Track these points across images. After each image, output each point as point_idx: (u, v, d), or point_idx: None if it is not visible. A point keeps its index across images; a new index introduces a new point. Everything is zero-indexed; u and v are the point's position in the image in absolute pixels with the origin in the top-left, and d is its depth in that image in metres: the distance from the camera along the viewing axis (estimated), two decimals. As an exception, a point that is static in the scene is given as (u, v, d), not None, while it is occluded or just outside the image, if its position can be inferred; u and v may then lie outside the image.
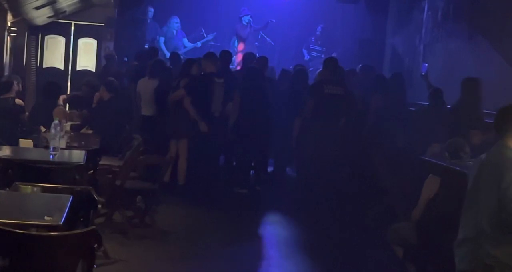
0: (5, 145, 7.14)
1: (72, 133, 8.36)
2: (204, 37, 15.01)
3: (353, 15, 14.59)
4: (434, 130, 8.28)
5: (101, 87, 9.62)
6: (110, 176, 7.52)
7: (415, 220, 5.98)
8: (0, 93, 9.49)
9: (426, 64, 10.38)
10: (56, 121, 6.71)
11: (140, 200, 8.00)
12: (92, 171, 6.65)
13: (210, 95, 9.73)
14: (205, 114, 9.64)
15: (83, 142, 7.99)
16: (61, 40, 14.37)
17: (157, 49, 12.57)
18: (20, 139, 7.49)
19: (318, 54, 15.02)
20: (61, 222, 3.97)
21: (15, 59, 12.38)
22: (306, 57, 15.16)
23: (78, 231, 3.97)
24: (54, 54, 14.34)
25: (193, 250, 7.12)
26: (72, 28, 14.30)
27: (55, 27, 14.11)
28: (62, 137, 7.22)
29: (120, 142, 8.85)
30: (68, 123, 8.86)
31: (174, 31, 14.82)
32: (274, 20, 15.15)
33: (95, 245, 3.83)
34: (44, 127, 8.55)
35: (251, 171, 10.44)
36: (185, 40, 14.95)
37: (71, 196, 4.52)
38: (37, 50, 14.04)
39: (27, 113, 9.93)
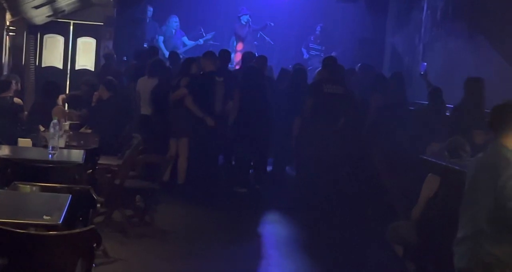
0: (4, 144, 7.12)
1: (71, 132, 8.35)
2: (203, 36, 15.00)
3: (353, 14, 14.59)
4: (433, 129, 8.28)
5: (100, 86, 9.61)
6: (109, 175, 7.51)
7: (415, 219, 5.98)
8: (-1, 92, 9.49)
9: (425, 64, 10.39)
10: (55, 121, 6.70)
11: (140, 199, 7.99)
12: (91, 170, 6.63)
13: (211, 94, 9.72)
14: (207, 112, 9.63)
15: (82, 141, 7.98)
16: (60, 39, 14.36)
17: (157, 48, 12.57)
18: (19, 139, 7.47)
19: (318, 53, 15.02)
20: (60, 222, 3.96)
21: (14, 59, 12.38)
22: (305, 56, 15.17)
23: (77, 230, 3.96)
24: (53, 53, 14.33)
25: (193, 249, 7.11)
26: (71, 27, 14.30)
27: (54, 26, 14.10)
28: (61, 136, 7.22)
29: (119, 141, 8.83)
30: (67, 122, 8.85)
31: (173, 30, 14.83)
32: (272, 24, 15.16)
33: (94, 245, 3.82)
34: (43, 127, 8.54)
35: (251, 170, 10.43)
36: (185, 39, 14.96)
37: (70, 196, 4.51)
38: (36, 49, 14.03)
39: (25, 112, 9.92)
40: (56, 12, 13.23)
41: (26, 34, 12.91)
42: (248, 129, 9.77)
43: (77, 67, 14.37)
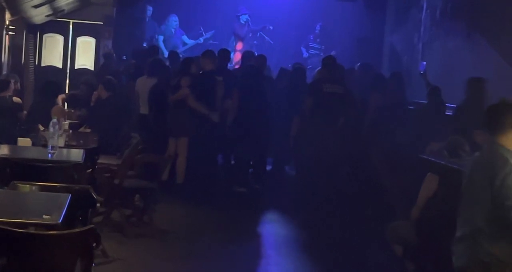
0: (3, 143, 7.13)
1: (70, 132, 8.35)
2: (203, 36, 15.00)
3: (352, 14, 14.59)
4: (433, 129, 8.28)
5: (99, 86, 9.61)
6: (108, 174, 7.51)
7: (414, 218, 5.98)
8: (-2, 92, 9.49)
9: (425, 63, 10.39)
10: (54, 120, 6.71)
11: (139, 198, 7.99)
12: (90, 169, 6.64)
13: (213, 93, 9.72)
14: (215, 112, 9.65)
15: (81, 141, 7.98)
16: (60, 38, 14.35)
17: (157, 47, 12.57)
18: (19, 138, 7.48)
19: (317, 52, 15.02)
20: (60, 221, 3.96)
21: (14, 58, 12.37)
22: (305, 55, 15.17)
23: (77, 230, 3.96)
24: (52, 52, 14.33)
25: (192, 248, 7.12)
26: (71, 26, 14.29)
27: (54, 25, 14.10)
28: (61, 135, 7.22)
29: (118, 140, 8.84)
30: (67, 122, 8.85)
31: (173, 30, 14.83)
32: (271, 27, 15.15)
33: (94, 244, 3.82)
34: (43, 126, 8.55)
35: (250, 170, 10.43)
36: (185, 38, 14.95)
37: (70, 195, 4.51)
38: (36, 48, 14.03)
39: (25, 112, 9.92)
40: (56, 12, 13.23)
41: (25, 34, 12.91)
42: (247, 129, 9.77)
43: (76, 67, 14.37)
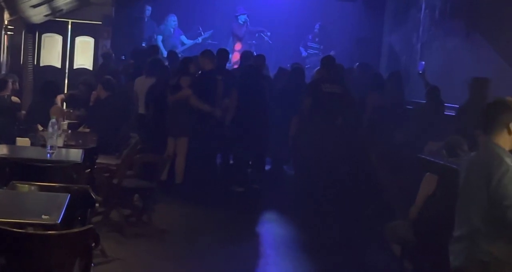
0: (2, 143, 7.13)
1: (69, 132, 8.35)
2: (202, 35, 15.00)
3: (351, 13, 14.59)
4: (431, 128, 8.29)
5: (98, 86, 9.61)
6: (107, 174, 7.51)
7: (412, 218, 5.99)
8: (-4, 92, 9.49)
9: (423, 63, 10.39)
10: (53, 120, 6.71)
11: (138, 198, 7.99)
12: (89, 169, 6.65)
13: (214, 92, 9.71)
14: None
15: (80, 141, 7.97)
16: (58, 38, 14.36)
17: (157, 46, 12.56)
18: (17, 138, 7.47)
19: (316, 52, 15.02)
20: (59, 221, 3.96)
21: (12, 58, 12.38)
22: (304, 54, 15.17)
23: (76, 230, 3.97)
24: (51, 52, 14.34)
25: (191, 248, 7.12)
26: (69, 26, 14.30)
27: (52, 25, 14.11)
28: (59, 135, 7.21)
29: (117, 140, 8.84)
30: (65, 122, 8.85)
31: (172, 29, 14.82)
32: (269, 33, 15.14)
33: (93, 244, 3.82)
34: (41, 126, 8.54)
35: (249, 170, 10.43)
36: (183, 37, 14.94)
37: (69, 195, 4.51)
38: (34, 48, 14.04)
39: (23, 112, 9.92)
40: (54, 11, 13.23)
41: (24, 33, 12.91)
42: (246, 128, 9.78)
43: (75, 66, 14.37)
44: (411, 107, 10.06)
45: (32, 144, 7.35)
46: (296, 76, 10.56)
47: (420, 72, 9.96)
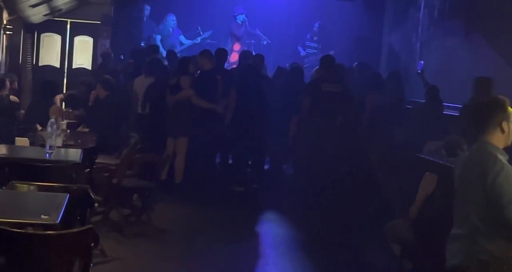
0: (1, 143, 7.12)
1: (68, 132, 8.35)
2: (201, 35, 14.99)
3: (350, 13, 14.58)
4: (430, 128, 8.29)
5: (97, 85, 9.61)
6: (106, 174, 7.51)
7: (412, 217, 5.98)
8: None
9: (423, 62, 10.39)
10: (52, 120, 6.70)
11: (137, 198, 7.99)
12: (88, 169, 6.63)
13: (215, 92, 9.70)
14: (215, 111, 9.64)
15: (79, 141, 7.97)
16: (57, 38, 14.35)
17: (157, 46, 12.53)
18: (16, 138, 7.47)
19: (315, 51, 15.01)
20: (58, 221, 3.96)
21: (11, 57, 12.37)
22: (302, 53, 15.16)
23: (75, 229, 3.96)
24: (50, 52, 14.33)
25: (190, 248, 7.12)
26: (68, 26, 14.30)
27: (51, 25, 14.10)
28: (59, 135, 7.21)
29: (116, 140, 8.84)
30: (64, 121, 8.85)
31: (171, 29, 14.81)
32: (265, 42, 15.12)
33: (92, 244, 3.82)
34: (41, 126, 8.54)
35: (248, 169, 10.43)
36: (182, 37, 14.93)
37: (68, 195, 4.51)
38: (33, 48, 14.03)
39: (22, 111, 9.91)
40: (53, 11, 13.22)
41: (23, 33, 12.91)
42: (245, 128, 9.77)
43: (74, 66, 14.37)
44: (410, 107, 10.07)
45: (31, 144, 7.35)
46: (295, 76, 10.55)
47: (419, 71, 9.96)
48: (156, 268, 6.47)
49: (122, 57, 13.34)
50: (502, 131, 4.10)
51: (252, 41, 15.16)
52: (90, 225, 3.94)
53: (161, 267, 6.48)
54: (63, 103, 10.59)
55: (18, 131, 9.05)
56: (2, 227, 3.67)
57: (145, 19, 14.85)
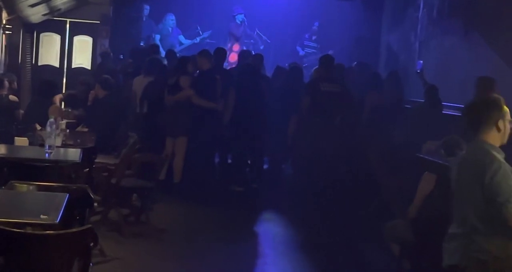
0: (0, 143, 7.12)
1: (67, 131, 8.35)
2: (200, 35, 14.99)
3: (349, 13, 14.59)
4: (429, 127, 8.29)
5: (96, 85, 9.61)
6: (105, 174, 7.51)
7: (411, 217, 5.98)
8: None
9: (421, 61, 10.39)
10: (51, 119, 6.71)
11: (136, 198, 7.99)
12: (87, 169, 6.64)
13: (215, 91, 9.71)
14: (214, 111, 9.63)
15: (78, 140, 7.97)
16: (56, 37, 14.34)
17: (157, 46, 12.52)
18: (16, 137, 7.47)
19: (313, 51, 15.01)
20: (57, 221, 3.96)
21: (10, 57, 12.37)
22: (301, 53, 15.16)
23: (74, 229, 3.96)
24: (49, 51, 14.32)
25: (189, 248, 7.12)
26: (67, 25, 14.28)
27: (50, 24, 14.09)
28: (58, 135, 7.21)
29: (115, 140, 8.84)
30: (64, 121, 8.85)
31: (170, 29, 14.81)
32: (262, 47, 15.12)
33: (91, 244, 3.82)
34: (40, 125, 8.54)
35: (247, 169, 10.43)
36: (181, 37, 14.93)
37: (67, 195, 4.51)
38: (33, 47, 14.02)
39: (21, 111, 9.91)
40: (52, 11, 13.22)
41: (22, 33, 12.90)
42: (244, 128, 9.77)
43: (73, 66, 14.36)
44: (409, 106, 10.06)
45: (30, 143, 7.36)
46: (294, 75, 10.55)
47: (418, 71, 9.96)
48: (155, 267, 6.47)
49: (121, 56, 13.34)
50: (498, 130, 4.12)
51: (251, 41, 15.16)
52: (89, 225, 3.94)
53: (160, 267, 6.48)
54: (62, 103, 10.59)
55: (17, 130, 9.05)
56: (1, 227, 3.67)
57: (144, 19, 14.85)
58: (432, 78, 9.79)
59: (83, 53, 14.38)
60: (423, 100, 9.29)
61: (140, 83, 9.99)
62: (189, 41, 14.88)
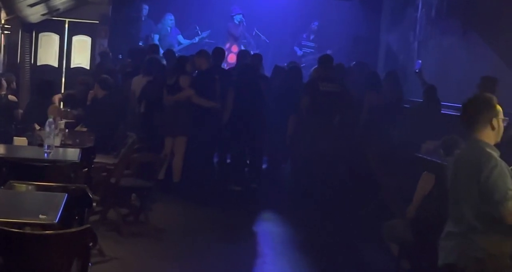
0: (-1, 143, 7.13)
1: (66, 131, 8.35)
2: (199, 35, 14.99)
3: (348, 12, 14.59)
4: (428, 127, 8.29)
5: (95, 85, 9.60)
6: (104, 174, 7.51)
7: (410, 217, 5.99)
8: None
9: (420, 61, 10.40)
10: (50, 119, 6.70)
11: (135, 198, 7.98)
12: (86, 169, 6.64)
13: (214, 91, 9.70)
14: (213, 111, 9.63)
15: (77, 140, 7.97)
16: (55, 37, 14.33)
17: (157, 46, 12.51)
18: (15, 137, 7.47)
19: (312, 50, 15.01)
20: (56, 221, 3.95)
21: (9, 57, 12.37)
22: (299, 53, 15.16)
23: (73, 229, 3.96)
24: (48, 51, 14.31)
25: (188, 247, 7.12)
26: (66, 25, 14.27)
27: (49, 24, 14.08)
28: (57, 135, 7.21)
29: (114, 139, 8.84)
30: (63, 121, 8.84)
31: (169, 28, 14.80)
32: (260, 52, 15.14)
33: (90, 243, 3.82)
34: (39, 125, 8.54)
35: (246, 169, 10.43)
36: (180, 37, 14.93)
37: (66, 194, 4.51)
38: (31, 47, 14.01)
39: (20, 111, 9.91)
40: (51, 10, 13.21)
41: (21, 32, 12.89)
42: (243, 127, 9.77)
43: (72, 65, 14.35)
44: (408, 106, 10.07)
45: (29, 143, 7.35)
46: (293, 75, 10.54)
47: (417, 71, 9.97)
48: (154, 267, 6.47)
49: (120, 56, 13.34)
50: (493, 128, 4.14)
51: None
52: (88, 225, 3.94)
53: (159, 267, 6.48)
54: (61, 103, 10.59)
55: (16, 130, 9.05)
56: (0, 227, 3.67)
57: (143, 19, 14.84)
58: (431, 78, 9.81)
59: (82, 53, 14.37)
60: (421, 100, 9.30)
61: (139, 83, 9.99)
62: (188, 41, 14.87)
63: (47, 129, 6.53)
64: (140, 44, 14.02)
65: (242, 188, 9.93)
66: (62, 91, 12.38)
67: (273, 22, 15.34)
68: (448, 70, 10.38)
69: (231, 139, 9.99)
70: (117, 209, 7.44)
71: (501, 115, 4.19)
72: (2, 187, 4.93)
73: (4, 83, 9.71)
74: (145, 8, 14.82)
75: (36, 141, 7.44)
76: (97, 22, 14.06)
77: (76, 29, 14.30)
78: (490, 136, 4.15)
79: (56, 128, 7.13)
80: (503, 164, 4.03)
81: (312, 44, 15.11)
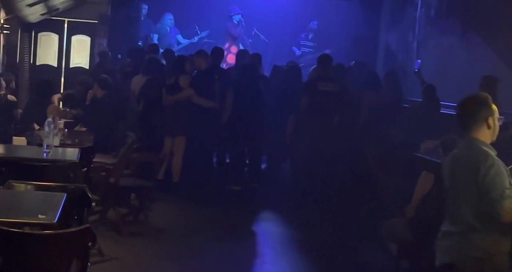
0: (-1, 142, 7.13)
1: (65, 131, 8.34)
2: (198, 34, 14.99)
3: (347, 12, 14.58)
4: (427, 127, 8.29)
5: (94, 85, 9.60)
6: (104, 173, 7.50)
7: (409, 216, 5.99)
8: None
9: (419, 61, 10.40)
10: (49, 119, 6.70)
11: (134, 197, 7.98)
12: (86, 169, 6.63)
13: (212, 92, 9.70)
14: (212, 111, 9.62)
15: (76, 140, 7.96)
16: (55, 37, 14.32)
17: (157, 45, 12.51)
18: (14, 137, 7.47)
19: (310, 50, 15.00)
20: (55, 221, 3.95)
21: (8, 57, 12.36)
22: (298, 53, 15.16)
23: (72, 229, 3.96)
24: (47, 51, 14.30)
25: (187, 247, 7.12)
26: (66, 25, 14.26)
27: (48, 24, 14.06)
28: (56, 134, 7.21)
29: (114, 139, 8.83)
30: (62, 121, 8.84)
31: (168, 28, 14.80)
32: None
33: (89, 243, 3.82)
34: (38, 125, 8.54)
35: (245, 168, 10.43)
36: (179, 37, 14.93)
37: (65, 194, 4.50)
38: (31, 47, 14.00)
39: (20, 110, 9.90)
40: (51, 10, 13.20)
41: (20, 32, 12.88)
42: (242, 127, 9.77)
43: (71, 65, 14.33)
44: (407, 106, 10.07)
45: (28, 143, 7.35)
46: (292, 75, 10.54)
47: (416, 70, 9.97)
48: (153, 267, 6.47)
49: (119, 56, 13.33)
50: (489, 127, 4.15)
51: (250, 40, 15.15)
52: (88, 225, 3.93)
53: (158, 266, 6.48)
54: (61, 103, 10.58)
55: (15, 130, 9.04)
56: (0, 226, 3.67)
57: (142, 18, 14.84)
58: (430, 78, 9.81)
59: (81, 53, 14.35)
60: (421, 100, 9.30)
61: (138, 82, 9.98)
62: (187, 40, 14.88)
63: (46, 128, 6.53)
64: (140, 43, 14.02)
65: (242, 188, 9.93)
66: (62, 91, 12.38)
67: (272, 22, 15.33)
68: (447, 70, 10.38)
69: (230, 139, 9.99)
70: (117, 209, 7.43)
71: (496, 114, 4.20)
72: (1, 186, 4.93)
73: (3, 82, 9.71)
74: (145, 8, 14.82)
75: (35, 141, 7.43)
76: (97, 22, 14.05)
77: (75, 29, 14.29)
78: (486, 135, 4.16)
79: (55, 127, 7.12)
80: (500, 162, 4.03)
81: (310, 44, 15.10)
